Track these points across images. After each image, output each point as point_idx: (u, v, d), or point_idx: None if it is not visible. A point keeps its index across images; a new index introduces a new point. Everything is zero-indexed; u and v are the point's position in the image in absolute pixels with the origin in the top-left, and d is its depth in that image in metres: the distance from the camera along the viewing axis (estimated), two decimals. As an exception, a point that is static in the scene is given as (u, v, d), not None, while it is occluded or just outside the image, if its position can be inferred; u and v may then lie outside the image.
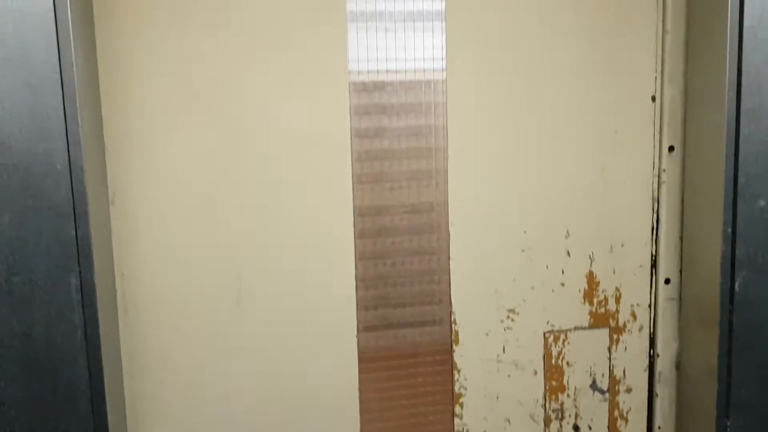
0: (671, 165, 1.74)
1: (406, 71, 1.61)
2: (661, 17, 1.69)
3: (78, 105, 1.22)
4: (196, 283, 1.56)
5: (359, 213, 1.62)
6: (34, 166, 1.21)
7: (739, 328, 1.51)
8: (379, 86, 1.61)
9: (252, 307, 1.59)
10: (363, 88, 1.60)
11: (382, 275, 1.67)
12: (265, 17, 1.51)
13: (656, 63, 1.71)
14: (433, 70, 1.63)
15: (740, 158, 1.46)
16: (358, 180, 1.61)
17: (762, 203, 1.49)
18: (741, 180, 1.47)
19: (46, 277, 1.24)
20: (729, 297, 1.51)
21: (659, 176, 1.75)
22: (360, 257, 1.64)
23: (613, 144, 1.72)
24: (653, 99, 1.72)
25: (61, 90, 1.20)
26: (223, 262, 1.57)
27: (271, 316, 1.60)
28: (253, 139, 1.54)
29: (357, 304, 1.65)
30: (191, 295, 1.56)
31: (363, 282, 1.65)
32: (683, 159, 1.73)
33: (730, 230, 1.49)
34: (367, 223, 1.64)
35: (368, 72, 1.60)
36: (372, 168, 1.63)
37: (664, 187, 1.75)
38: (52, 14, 1.19)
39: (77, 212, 1.24)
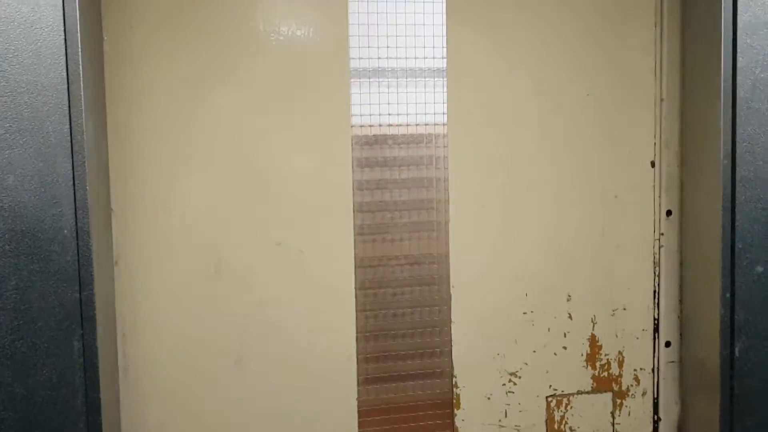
0: (669, 229, 1.76)
1: (407, 125, 1.66)
2: (658, 84, 1.74)
3: (87, 171, 1.25)
4: (197, 342, 1.57)
5: (360, 264, 1.64)
6: (42, 231, 1.23)
7: (740, 394, 1.51)
8: (381, 140, 1.65)
9: (252, 365, 1.59)
10: (365, 141, 1.64)
11: (383, 327, 1.67)
12: (269, 77, 1.55)
13: (655, 129, 1.75)
14: (435, 125, 1.67)
15: (737, 225, 1.48)
16: (360, 231, 1.64)
17: (760, 269, 1.50)
18: (738, 246, 1.49)
19: (49, 341, 1.25)
20: (729, 362, 1.51)
21: (659, 240, 1.77)
22: (361, 308, 1.65)
23: (614, 208, 1.75)
24: (652, 164, 1.75)
25: (71, 158, 1.24)
26: (223, 321, 1.58)
27: (272, 372, 1.61)
28: (255, 199, 1.57)
29: (357, 357, 1.65)
30: (192, 354, 1.57)
31: (363, 334, 1.66)
32: (681, 223, 1.75)
33: (728, 295, 1.50)
34: (368, 274, 1.65)
35: (371, 126, 1.64)
36: (374, 219, 1.65)
37: (663, 251, 1.76)
38: (65, 86, 1.23)
39: (82, 276, 1.26)
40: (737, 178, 1.48)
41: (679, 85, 1.73)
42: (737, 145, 1.47)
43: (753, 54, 1.45)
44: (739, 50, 1.45)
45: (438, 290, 1.70)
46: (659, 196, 1.76)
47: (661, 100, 1.74)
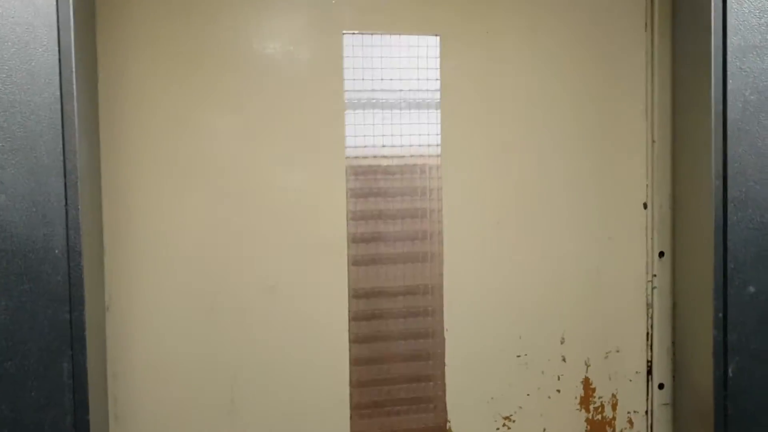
0: (662, 270, 1.76)
1: (402, 156, 1.66)
2: (649, 126, 1.74)
3: (80, 192, 1.24)
4: (190, 386, 1.55)
5: (354, 295, 1.63)
6: (33, 251, 1.23)
7: (734, 415, 1.50)
8: (375, 170, 1.64)
9: (246, 409, 1.58)
10: (360, 171, 1.63)
11: (376, 361, 1.66)
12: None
13: (647, 171, 1.76)
14: (429, 156, 1.67)
15: (729, 245, 1.49)
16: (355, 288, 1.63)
17: (752, 289, 1.50)
18: (730, 266, 1.49)
19: (38, 362, 1.24)
20: (723, 383, 1.51)
21: (652, 281, 1.77)
22: (354, 339, 1.64)
23: (607, 250, 1.75)
24: (645, 206, 1.76)
25: (63, 178, 1.24)
26: (217, 364, 1.56)
27: (265, 417, 1.59)
28: (252, 240, 1.56)
29: (350, 388, 1.64)
30: (185, 398, 1.55)
31: (357, 380, 1.64)
32: (673, 264, 1.75)
33: (721, 316, 1.50)
34: (361, 305, 1.64)
35: (365, 157, 1.64)
36: (367, 250, 1.65)
37: (656, 292, 1.77)
38: (59, 105, 1.23)
39: (73, 296, 1.25)
40: (729, 198, 1.49)
41: (670, 126, 1.74)
42: (728, 166, 1.48)
43: (743, 78, 1.47)
44: (729, 73, 1.47)
45: (432, 337, 1.68)
46: (652, 238, 1.76)
47: (653, 141, 1.74)
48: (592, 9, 1.70)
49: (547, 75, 1.69)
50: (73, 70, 1.24)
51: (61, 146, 1.23)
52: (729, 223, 1.49)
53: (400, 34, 1.63)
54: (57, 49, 1.23)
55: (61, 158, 1.24)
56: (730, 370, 1.50)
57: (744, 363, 1.50)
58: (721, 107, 1.48)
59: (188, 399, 1.55)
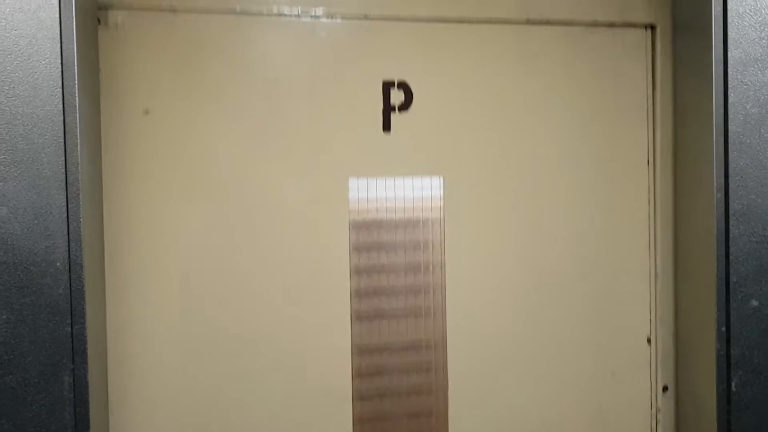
0: (666, 405, 1.74)
1: (405, 209, 1.64)
2: (652, 260, 1.74)
3: (81, 204, 1.24)
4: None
5: (357, 352, 1.62)
6: (35, 264, 1.22)
7: (737, 430, 1.50)
8: (378, 224, 1.62)
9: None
10: (362, 225, 1.61)
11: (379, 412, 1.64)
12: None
13: (650, 305, 1.75)
14: (432, 209, 1.65)
15: (731, 259, 1.49)
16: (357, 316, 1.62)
17: (755, 303, 1.50)
18: (733, 280, 1.49)
19: (39, 375, 1.23)
20: (726, 397, 1.50)
21: (655, 416, 1.75)
22: (357, 396, 1.62)
23: (611, 385, 1.74)
24: (648, 341, 1.75)
25: (65, 190, 1.23)
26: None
27: None
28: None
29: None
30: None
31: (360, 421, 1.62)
32: (677, 399, 1.73)
33: (723, 329, 1.50)
34: (364, 360, 1.62)
35: (368, 210, 1.62)
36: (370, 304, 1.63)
37: (659, 427, 1.75)
38: (61, 117, 1.23)
39: (74, 309, 1.25)
40: (730, 212, 1.49)
41: (672, 259, 1.73)
42: (730, 179, 1.48)
43: (744, 91, 1.47)
44: (730, 87, 1.47)
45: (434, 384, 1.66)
46: (655, 372, 1.74)
47: (656, 275, 1.74)
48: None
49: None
50: (76, 82, 1.24)
51: (63, 158, 1.23)
52: (731, 236, 1.49)
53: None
54: (60, 62, 1.23)
55: (63, 170, 1.23)
56: (733, 384, 1.49)
57: (747, 377, 1.50)
58: (722, 120, 1.48)
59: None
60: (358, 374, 1.61)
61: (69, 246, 1.24)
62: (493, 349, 1.68)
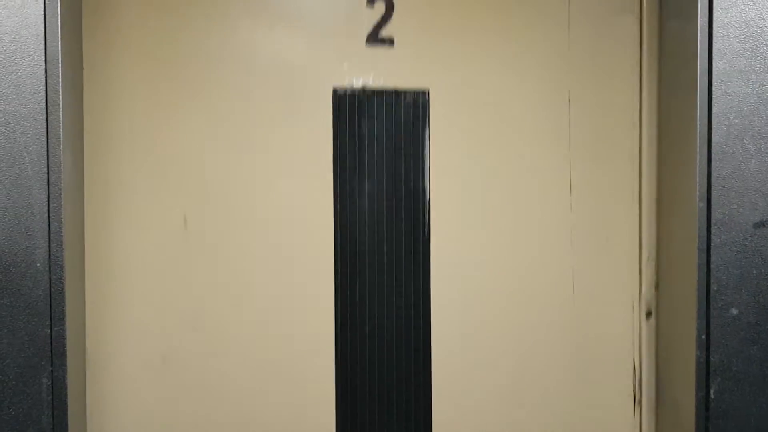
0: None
1: None
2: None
3: (63, 204, 1.23)
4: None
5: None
6: (14, 265, 1.20)
7: (717, 440, 1.51)
8: None
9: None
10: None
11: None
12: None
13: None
14: None
15: (712, 267, 1.50)
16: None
17: (734, 311, 1.52)
18: (713, 288, 1.51)
19: (17, 377, 1.21)
20: (705, 404, 1.52)
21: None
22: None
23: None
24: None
25: (47, 189, 1.22)
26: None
27: None
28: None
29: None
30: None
31: None
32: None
33: (703, 337, 1.52)
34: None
35: None
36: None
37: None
38: (44, 116, 1.21)
39: (54, 310, 1.23)
40: (712, 221, 1.50)
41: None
42: (712, 188, 1.50)
43: (728, 102, 1.49)
44: (714, 97, 1.49)
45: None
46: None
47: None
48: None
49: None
50: (60, 80, 1.22)
51: (45, 157, 1.22)
52: (712, 245, 1.51)
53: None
54: (44, 59, 1.21)
55: (45, 170, 1.22)
56: (712, 392, 1.51)
57: (726, 384, 1.51)
58: (706, 131, 1.50)
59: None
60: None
61: (50, 246, 1.23)
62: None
